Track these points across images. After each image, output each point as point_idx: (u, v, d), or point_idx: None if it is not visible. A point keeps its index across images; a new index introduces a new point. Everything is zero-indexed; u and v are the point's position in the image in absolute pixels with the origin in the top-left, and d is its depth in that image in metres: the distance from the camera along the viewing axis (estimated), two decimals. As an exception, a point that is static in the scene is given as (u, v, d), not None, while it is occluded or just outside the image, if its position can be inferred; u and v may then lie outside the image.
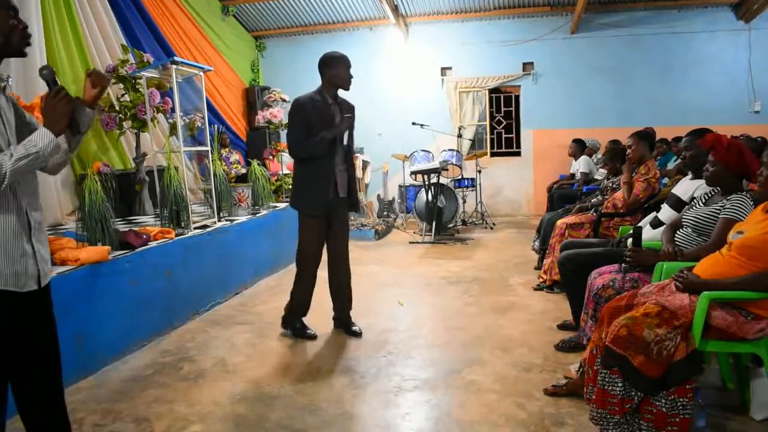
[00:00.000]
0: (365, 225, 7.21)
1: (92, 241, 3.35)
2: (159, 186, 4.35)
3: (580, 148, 7.31)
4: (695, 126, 3.23)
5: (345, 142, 3.40)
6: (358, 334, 3.52)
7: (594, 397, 2.03)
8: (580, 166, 7.01)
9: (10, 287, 1.56)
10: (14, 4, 1.56)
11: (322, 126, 3.24)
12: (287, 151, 3.22)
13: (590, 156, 7.54)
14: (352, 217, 7.59)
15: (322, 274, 3.53)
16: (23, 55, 1.61)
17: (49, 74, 1.62)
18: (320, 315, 3.75)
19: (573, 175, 7.28)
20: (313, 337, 3.49)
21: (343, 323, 3.61)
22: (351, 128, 3.41)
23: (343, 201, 3.45)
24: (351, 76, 3.33)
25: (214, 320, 3.92)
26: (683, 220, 2.62)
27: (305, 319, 3.58)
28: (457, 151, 7.62)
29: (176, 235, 3.91)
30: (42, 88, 4.53)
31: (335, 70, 3.26)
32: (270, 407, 2.56)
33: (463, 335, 3.42)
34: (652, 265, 2.50)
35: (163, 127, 5.96)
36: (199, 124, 5.85)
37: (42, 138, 1.53)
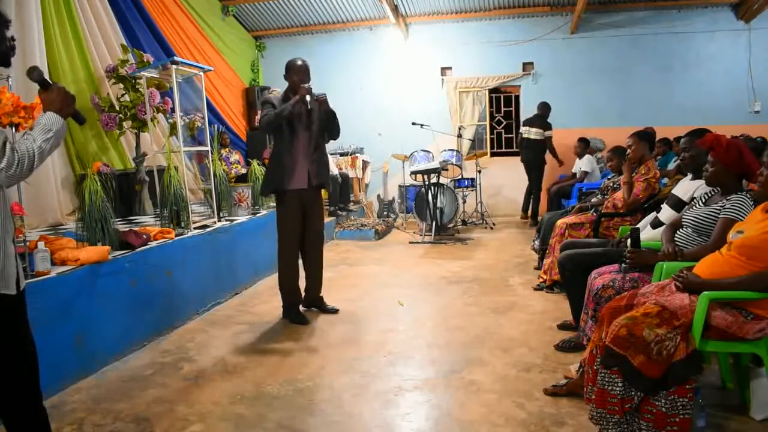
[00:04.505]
0: (365, 225, 7.20)
1: (92, 241, 3.35)
2: (159, 186, 4.35)
3: (585, 147, 7.31)
4: (695, 126, 3.23)
5: (312, 127, 3.69)
6: (335, 311, 3.91)
7: (594, 396, 2.03)
8: (582, 165, 7.00)
9: (2, 290, 1.57)
10: (9, 17, 1.66)
11: (291, 120, 3.59)
12: (261, 129, 3.69)
13: (592, 155, 7.54)
14: (351, 218, 7.61)
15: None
16: (7, 65, 1.69)
17: (39, 75, 1.68)
18: (316, 311, 3.77)
19: (575, 175, 7.26)
20: (305, 322, 3.71)
21: (316, 304, 3.96)
22: (321, 120, 3.71)
23: (317, 188, 3.78)
24: (303, 82, 3.60)
25: (214, 320, 3.92)
26: (683, 220, 2.62)
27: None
28: (457, 151, 7.62)
29: (176, 235, 3.91)
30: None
31: (290, 77, 3.67)
32: (270, 407, 2.56)
33: (463, 335, 3.41)
34: (652, 265, 2.50)
35: (163, 127, 5.96)
36: (199, 124, 5.85)
37: (54, 122, 1.60)
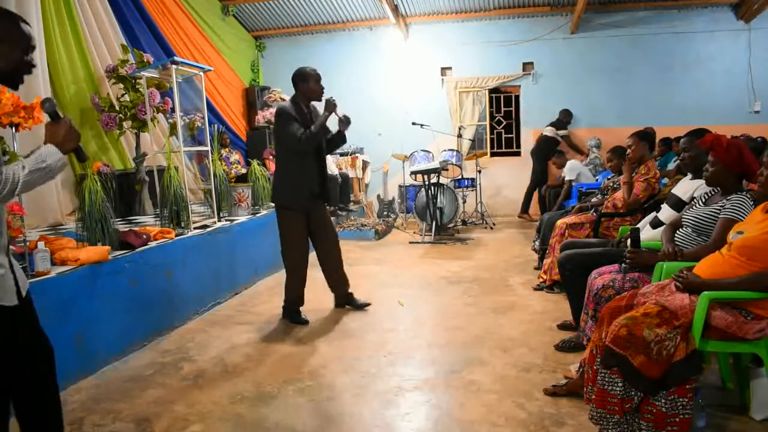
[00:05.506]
0: (365, 225, 7.20)
1: (92, 241, 3.35)
2: (159, 186, 4.35)
3: (563, 159, 7.39)
4: (695, 126, 3.23)
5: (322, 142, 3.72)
6: (366, 305, 3.98)
7: (594, 396, 2.03)
8: (565, 173, 6.96)
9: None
10: (35, 44, 1.65)
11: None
12: (294, 147, 3.57)
13: (585, 156, 7.56)
14: (351, 218, 7.61)
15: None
16: (15, 87, 1.67)
17: (51, 107, 1.69)
18: (317, 312, 3.75)
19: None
20: (305, 323, 3.72)
21: (348, 302, 4.01)
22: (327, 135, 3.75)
23: (318, 197, 3.77)
24: (322, 88, 3.67)
25: (214, 320, 3.92)
26: (683, 219, 2.62)
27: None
28: (457, 151, 7.62)
29: (176, 235, 3.91)
30: (40, 86, 4.54)
31: (307, 84, 3.63)
32: (270, 407, 2.56)
33: (463, 335, 3.41)
34: (652, 265, 2.50)
35: (163, 127, 5.96)
36: (199, 124, 5.85)
37: (51, 155, 1.59)
